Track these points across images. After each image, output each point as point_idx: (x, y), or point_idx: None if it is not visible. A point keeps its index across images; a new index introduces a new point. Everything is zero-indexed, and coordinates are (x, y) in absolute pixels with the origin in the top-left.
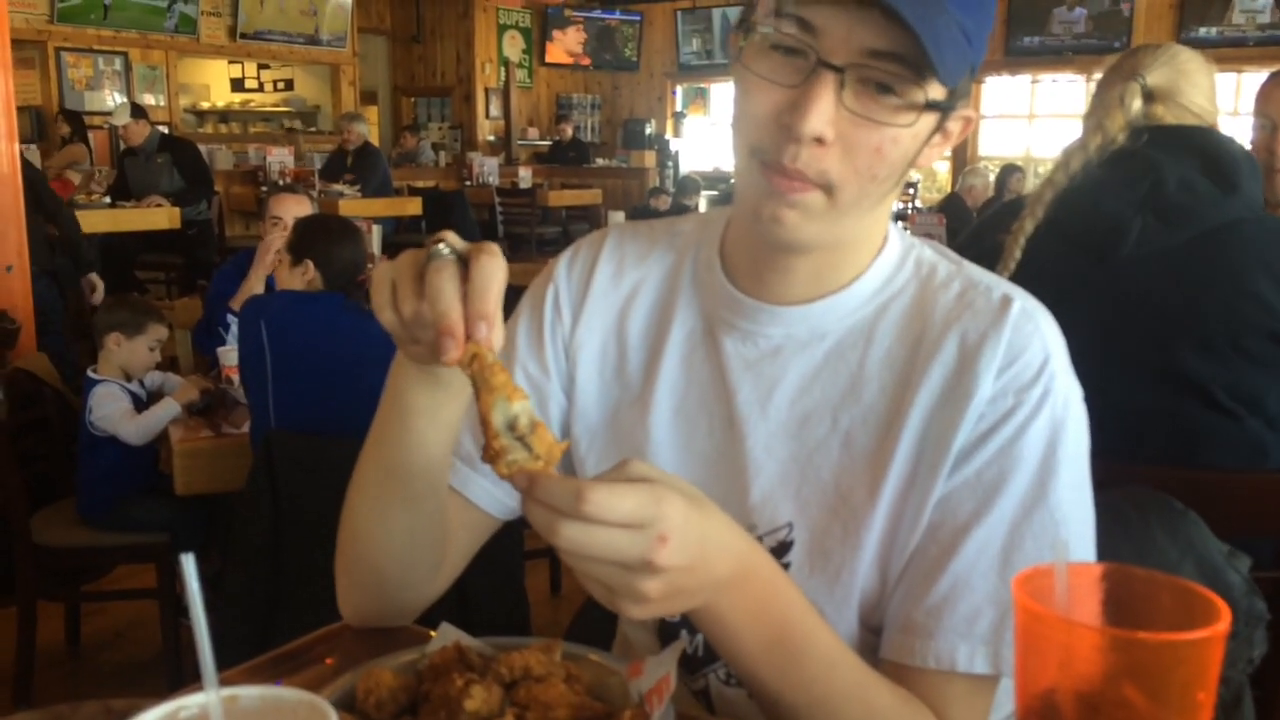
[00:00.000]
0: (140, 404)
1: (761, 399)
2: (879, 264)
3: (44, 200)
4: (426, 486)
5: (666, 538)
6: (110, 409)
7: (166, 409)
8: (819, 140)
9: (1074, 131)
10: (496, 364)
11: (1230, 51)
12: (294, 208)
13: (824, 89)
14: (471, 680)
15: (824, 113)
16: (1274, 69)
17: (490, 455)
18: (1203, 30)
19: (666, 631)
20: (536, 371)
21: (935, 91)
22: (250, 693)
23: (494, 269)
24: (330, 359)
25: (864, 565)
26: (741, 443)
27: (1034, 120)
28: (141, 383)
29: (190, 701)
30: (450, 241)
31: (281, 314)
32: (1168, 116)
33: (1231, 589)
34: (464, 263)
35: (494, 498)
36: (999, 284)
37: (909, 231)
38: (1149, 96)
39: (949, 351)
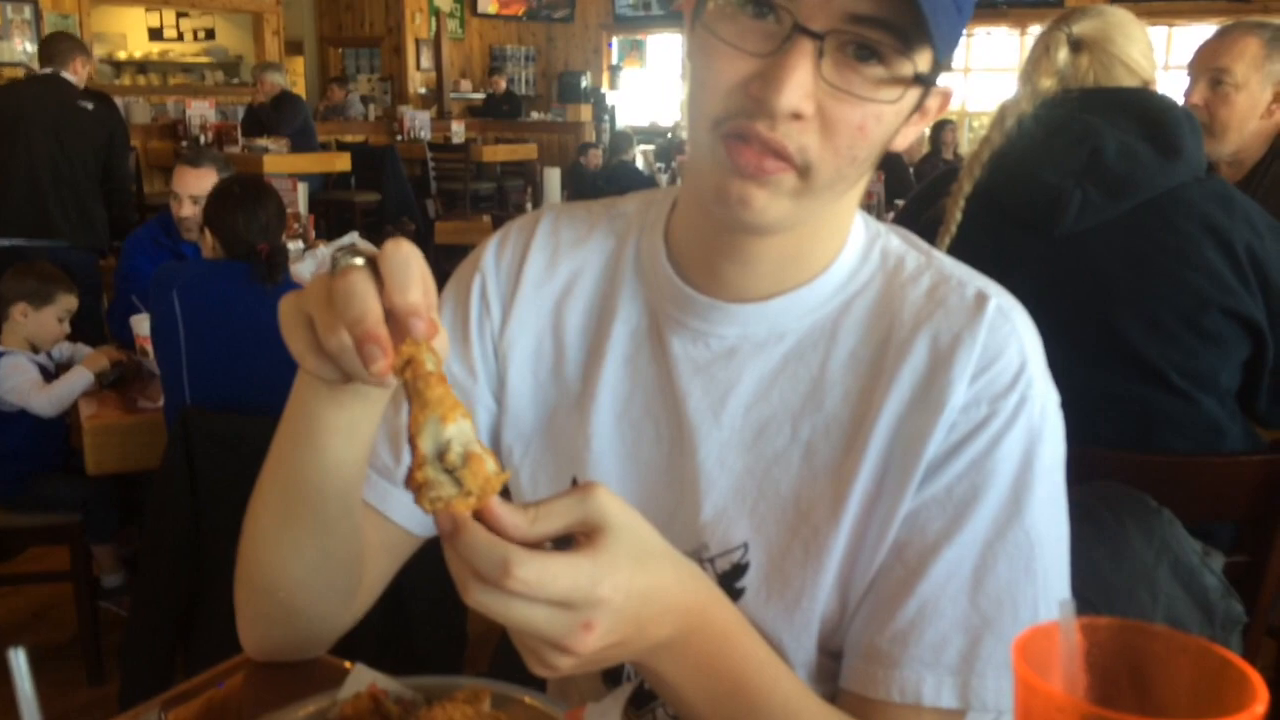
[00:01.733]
0: (49, 376)
1: (714, 405)
2: (844, 256)
3: None
4: (340, 509)
5: (593, 626)
6: (18, 380)
7: (78, 377)
8: (796, 115)
9: (1009, 87)
10: (434, 373)
11: (1161, 5)
12: (195, 183)
13: (800, 58)
14: None
15: (801, 84)
16: (1207, 24)
17: (413, 485)
18: None
19: (610, 671)
20: (461, 373)
21: (923, 63)
22: None
23: (406, 256)
24: (243, 331)
25: (825, 590)
26: (692, 454)
27: (969, 74)
28: (50, 354)
29: None
30: (357, 247)
31: (193, 283)
32: (1096, 68)
33: (1208, 592)
34: (376, 267)
35: (413, 513)
36: (972, 278)
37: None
38: (1076, 45)
39: (919, 354)
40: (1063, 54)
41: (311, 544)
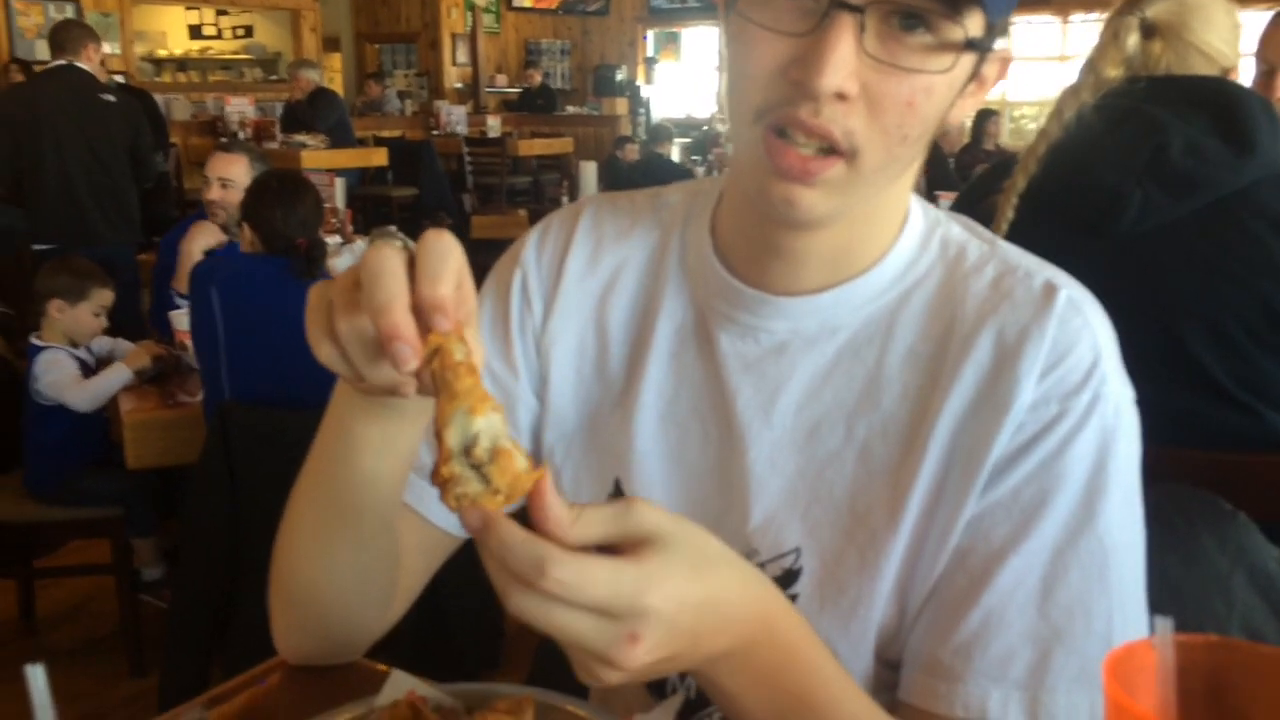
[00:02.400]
0: (89, 371)
1: (764, 404)
2: (900, 245)
3: None
4: (378, 523)
5: (639, 638)
6: (56, 375)
7: (117, 374)
8: (840, 96)
9: (1052, 76)
10: (464, 364)
11: None
12: (225, 167)
13: (842, 34)
14: None
15: (844, 63)
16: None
17: (438, 480)
18: None
19: (655, 680)
20: (502, 370)
21: (974, 26)
22: None
23: (445, 247)
24: (282, 326)
25: (882, 598)
26: (742, 455)
27: (1010, 63)
28: (89, 349)
29: None
30: (396, 232)
31: (233, 278)
32: (1169, 56)
33: None
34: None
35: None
36: (1041, 268)
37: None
38: (1148, 31)
39: (984, 350)
40: (1133, 40)
41: (348, 558)
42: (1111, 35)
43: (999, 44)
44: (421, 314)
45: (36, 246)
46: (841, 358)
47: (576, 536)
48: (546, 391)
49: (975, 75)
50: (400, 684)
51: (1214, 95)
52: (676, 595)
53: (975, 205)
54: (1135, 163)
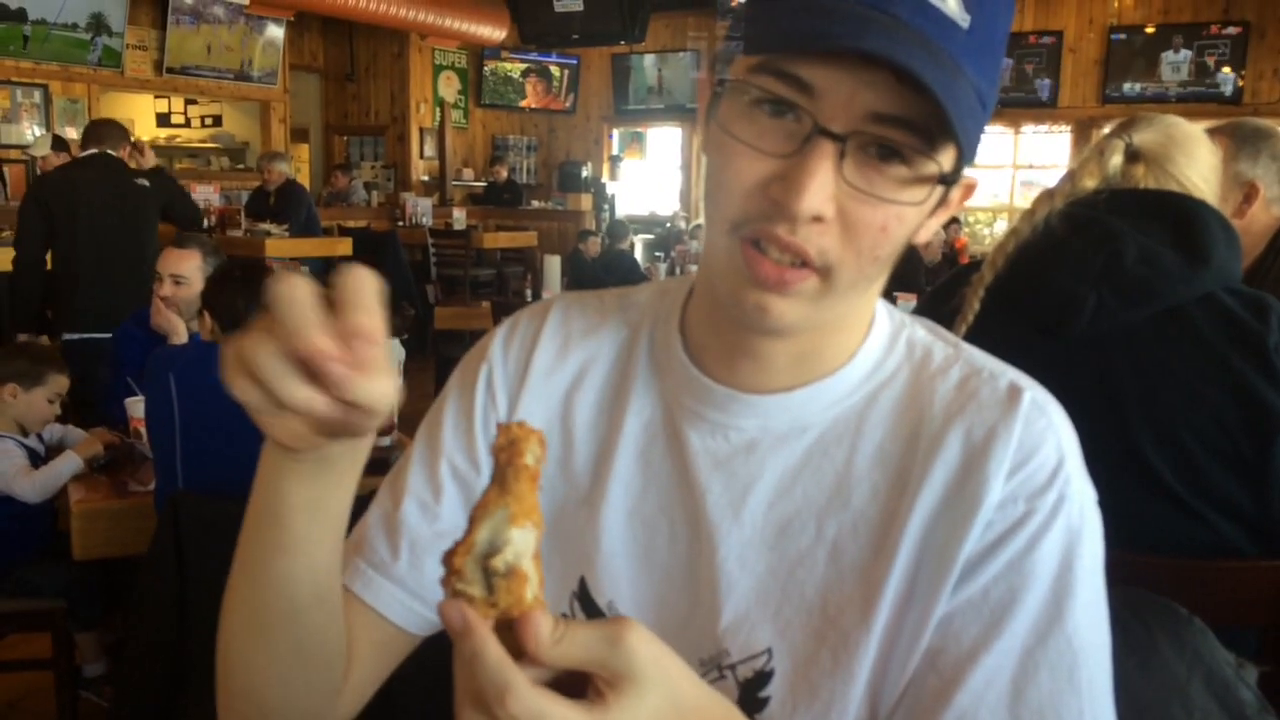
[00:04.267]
0: (37, 460)
1: (734, 501)
2: (867, 346)
3: None
4: (312, 596)
5: None
6: (3, 466)
7: (67, 463)
8: (817, 218)
9: (1002, 183)
10: (530, 469)
11: (1151, 109)
12: (178, 263)
13: (822, 160)
14: None
15: (823, 188)
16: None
17: (447, 564)
18: (1126, 86)
19: None
20: (464, 466)
21: (947, 161)
22: None
23: (361, 275)
24: (239, 415)
25: (855, 701)
26: (711, 554)
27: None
28: (40, 436)
29: None
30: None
31: (190, 366)
32: (1149, 181)
33: (1244, 707)
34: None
35: (411, 611)
36: (1004, 371)
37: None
38: (1133, 156)
39: (952, 449)
40: (1116, 160)
41: (283, 636)
42: (1098, 152)
43: (966, 172)
44: (344, 343)
45: (68, 336)
46: (811, 456)
47: (556, 656)
48: None
49: (943, 201)
50: None
51: (1170, 208)
52: None
53: (946, 301)
54: (1089, 268)
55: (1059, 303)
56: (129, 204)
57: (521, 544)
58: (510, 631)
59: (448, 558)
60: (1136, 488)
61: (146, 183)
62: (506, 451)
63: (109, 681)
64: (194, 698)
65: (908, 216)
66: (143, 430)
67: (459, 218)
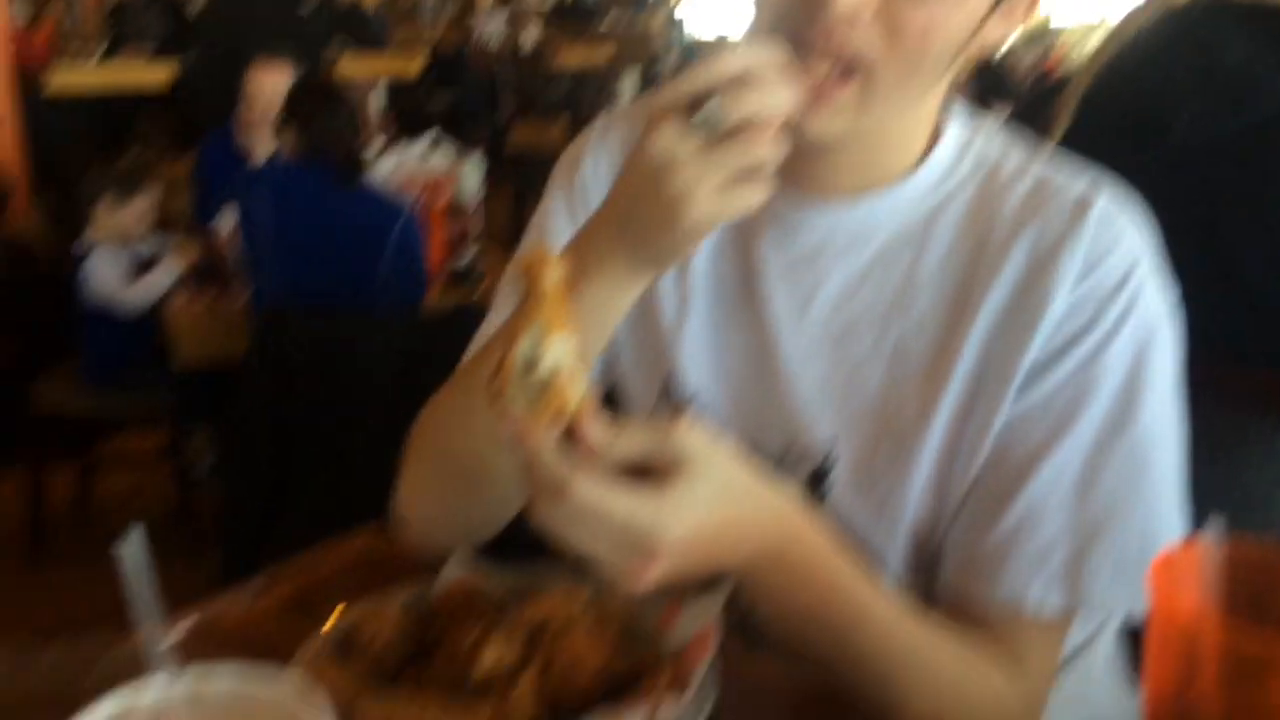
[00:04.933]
0: (136, 270)
1: (799, 306)
2: (935, 156)
3: None
4: None
5: (649, 567)
6: (105, 277)
7: (164, 275)
8: (855, 17)
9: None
10: (559, 285)
11: None
12: (264, 81)
13: None
14: (487, 632)
15: None
16: None
17: (490, 385)
18: None
19: None
20: None
21: None
22: (220, 683)
23: None
24: (323, 231)
25: (915, 490)
26: (776, 353)
27: None
28: (137, 249)
29: (144, 700)
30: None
31: (277, 183)
32: None
33: None
34: None
35: None
36: (1079, 177)
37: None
38: None
39: (1018, 259)
40: None
41: None
42: None
43: None
44: None
45: None
46: (875, 264)
47: (614, 455)
48: None
49: (999, 5)
50: (454, 570)
51: (1270, 14)
52: (690, 532)
53: (1035, 115)
54: (1186, 76)
55: (1154, 112)
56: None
57: (558, 355)
58: (567, 437)
59: (490, 379)
60: (1231, 301)
61: None
62: (528, 277)
63: (219, 477)
64: (297, 494)
65: (953, 19)
66: (234, 245)
67: (530, 35)
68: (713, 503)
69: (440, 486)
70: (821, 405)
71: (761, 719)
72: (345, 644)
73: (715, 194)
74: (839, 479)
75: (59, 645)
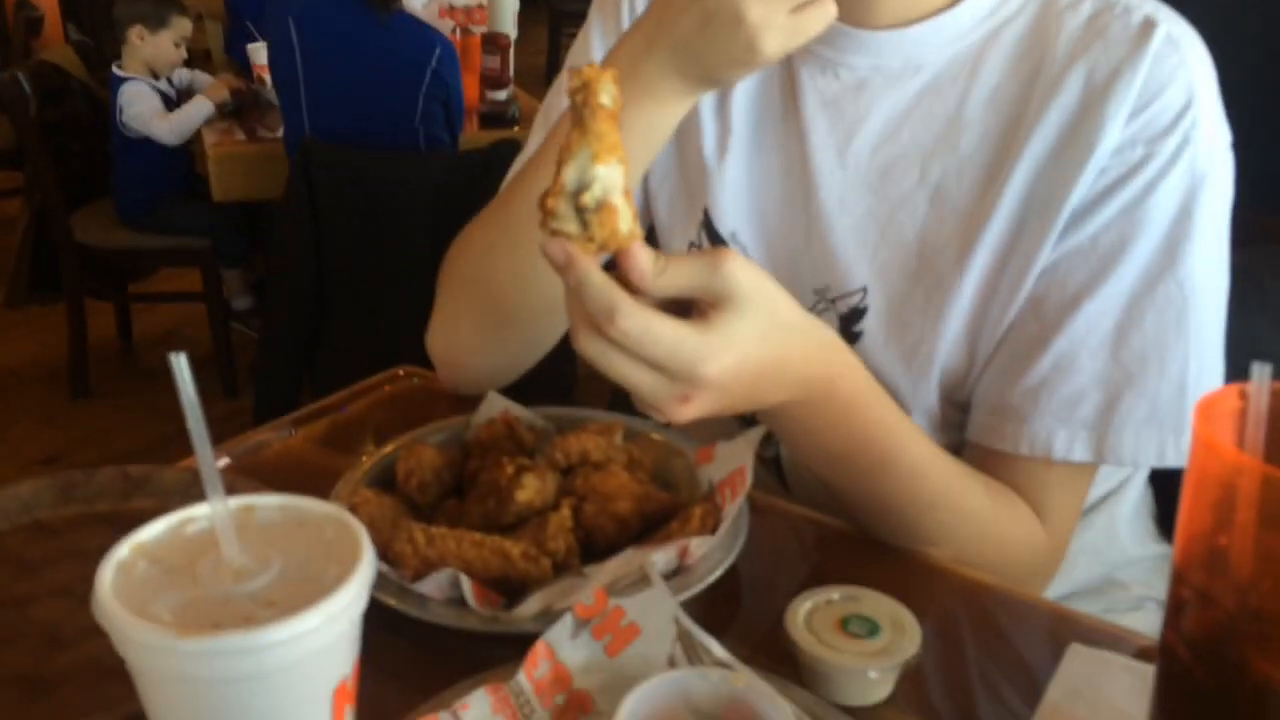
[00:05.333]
0: (170, 103)
1: (839, 143)
2: None
3: None
4: None
5: (690, 399)
6: (140, 107)
7: (199, 106)
8: None
9: None
10: (607, 108)
11: None
12: None
13: None
14: (524, 467)
15: None
16: None
17: (542, 208)
18: None
19: None
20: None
21: None
22: (268, 504)
23: None
24: (357, 61)
25: (948, 338)
26: (813, 193)
27: None
28: (170, 80)
29: (198, 513)
30: None
31: (309, 11)
32: None
33: None
34: None
35: None
36: (1140, 4)
37: None
38: None
39: (1071, 90)
40: None
41: None
42: None
43: None
44: None
45: None
46: (922, 97)
47: (660, 288)
48: None
49: None
50: (494, 404)
51: None
52: (733, 366)
53: None
54: None
55: None
56: None
57: (608, 179)
58: (614, 270)
59: (541, 201)
60: None
61: None
62: (581, 93)
63: (255, 315)
64: (333, 330)
65: None
66: (266, 77)
67: None
68: (758, 338)
69: (473, 319)
70: (858, 247)
71: (788, 561)
72: (382, 479)
73: (789, 20)
74: (870, 326)
75: (108, 470)
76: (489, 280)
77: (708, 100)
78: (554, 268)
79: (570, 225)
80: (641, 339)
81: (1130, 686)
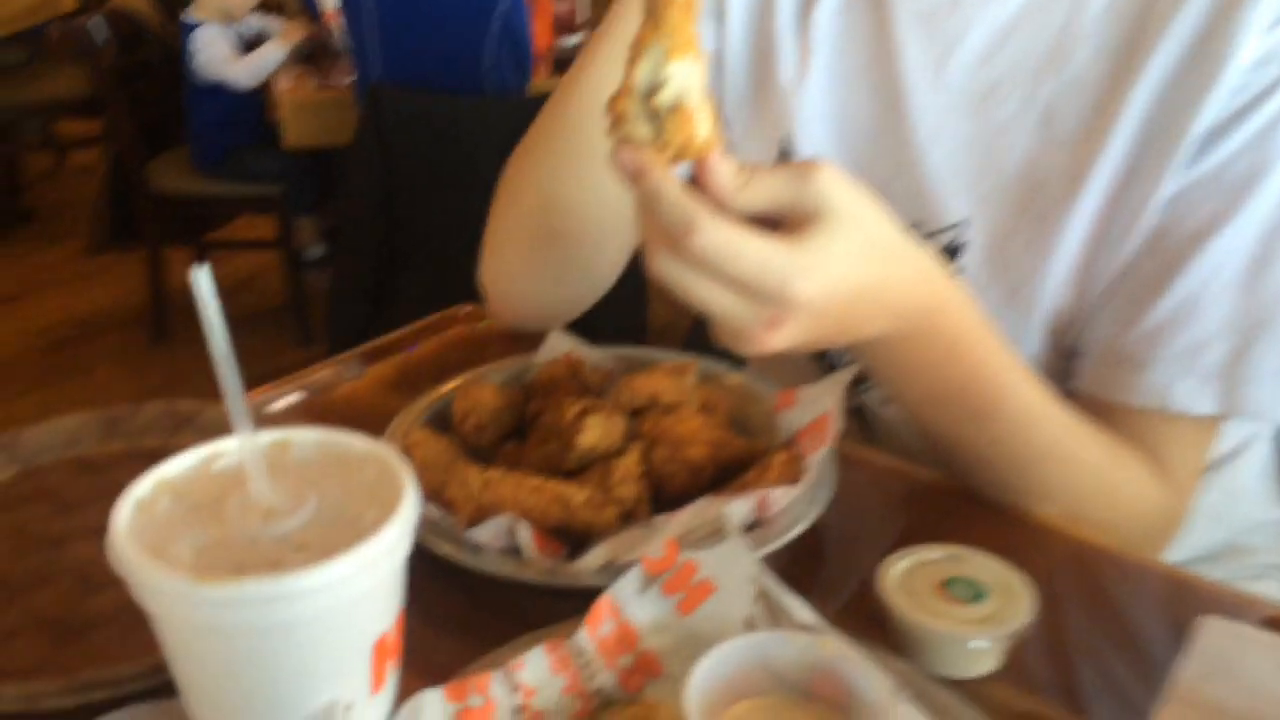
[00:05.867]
0: (242, 49)
1: (935, 63)
2: None
3: None
4: None
5: (780, 323)
6: (213, 53)
7: (272, 50)
8: None
9: None
10: (684, 3)
11: None
12: None
13: None
14: (588, 408)
15: None
16: None
17: (611, 111)
18: None
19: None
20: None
21: None
22: (306, 439)
23: None
24: (428, 10)
25: (1055, 277)
26: (905, 118)
27: None
28: (241, 27)
29: (228, 447)
30: None
31: None
32: None
33: None
34: None
35: None
36: None
37: None
38: None
39: (1198, 1)
40: None
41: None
42: None
43: None
44: None
45: None
46: (1027, 10)
47: (743, 201)
48: (725, 35)
49: None
50: (559, 344)
51: None
52: (828, 286)
53: None
54: None
55: None
56: None
57: (684, 78)
58: (692, 182)
59: (610, 104)
60: None
61: None
62: None
63: (327, 264)
64: (405, 276)
65: None
66: (337, 23)
67: None
68: (855, 257)
69: (522, 239)
70: (955, 177)
71: (878, 517)
72: (439, 420)
73: None
74: (968, 264)
75: (155, 405)
76: (541, 195)
77: (787, 19)
78: (623, 178)
79: (642, 130)
80: (724, 255)
81: (1278, 664)
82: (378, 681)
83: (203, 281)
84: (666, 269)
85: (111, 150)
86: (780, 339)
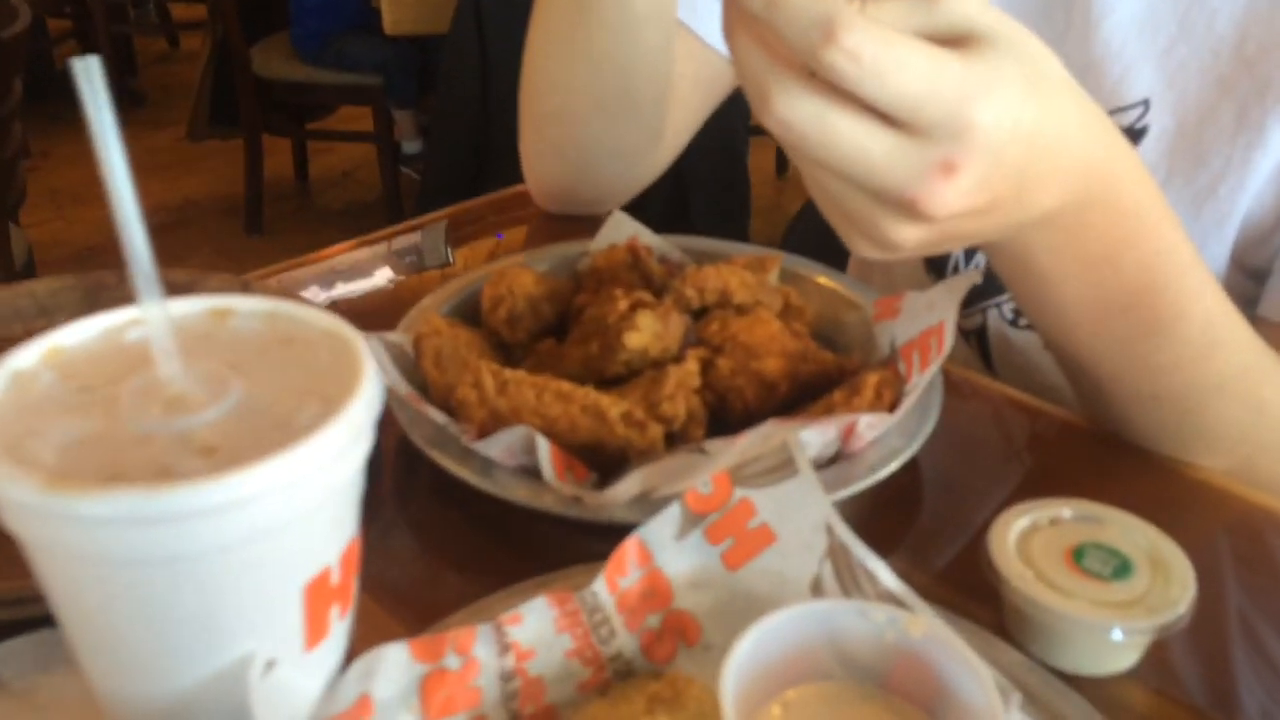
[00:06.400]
0: None
1: None
2: None
3: None
4: (649, 4)
5: (956, 167)
6: None
7: None
8: None
9: None
10: None
11: None
12: None
13: None
14: (641, 302)
15: None
16: None
17: None
18: None
19: (935, 259)
20: None
21: None
22: (251, 308)
23: None
24: None
25: (1259, 175)
26: None
27: None
28: None
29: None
30: None
31: None
32: None
33: None
34: None
35: None
36: None
37: None
38: None
39: None
40: None
41: (613, 51)
42: None
43: None
44: None
45: None
46: None
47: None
48: None
49: None
50: (622, 228)
51: None
52: (1012, 113)
53: None
54: None
55: None
56: None
57: None
58: None
59: None
60: None
61: None
62: None
63: (425, 158)
64: (497, 169)
65: None
66: None
67: None
68: (1030, 90)
69: (557, 156)
70: (1138, 46)
71: (993, 460)
72: (467, 309)
73: None
74: (1148, 155)
75: (220, 277)
76: (566, 105)
77: None
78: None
79: None
80: (883, 64)
81: None
82: (314, 634)
83: (90, 70)
84: (793, 108)
85: (215, 35)
86: (952, 195)
